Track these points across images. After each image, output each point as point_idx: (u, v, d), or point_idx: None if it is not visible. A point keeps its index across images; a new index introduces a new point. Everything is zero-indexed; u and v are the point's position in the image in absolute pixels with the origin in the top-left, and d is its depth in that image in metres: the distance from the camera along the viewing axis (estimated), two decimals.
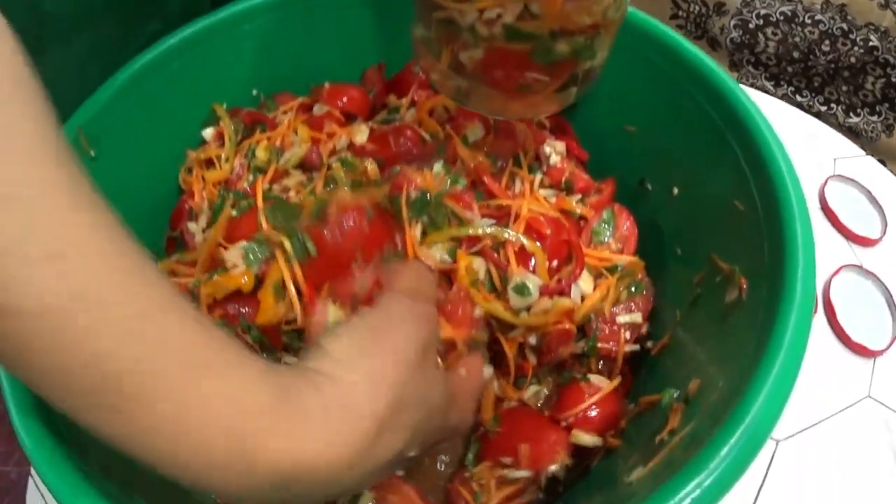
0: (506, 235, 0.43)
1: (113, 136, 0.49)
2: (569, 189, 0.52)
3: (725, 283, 0.42)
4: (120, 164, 0.50)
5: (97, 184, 0.26)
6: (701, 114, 0.47)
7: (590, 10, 0.37)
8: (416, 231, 0.43)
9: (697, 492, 0.29)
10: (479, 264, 0.42)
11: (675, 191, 0.51)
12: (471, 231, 0.43)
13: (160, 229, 0.55)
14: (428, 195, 0.43)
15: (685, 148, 0.50)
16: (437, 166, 0.46)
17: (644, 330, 0.49)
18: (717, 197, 0.46)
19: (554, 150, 0.54)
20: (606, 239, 0.50)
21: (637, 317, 0.47)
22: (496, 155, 0.51)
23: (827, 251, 0.66)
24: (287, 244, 0.41)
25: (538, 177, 0.51)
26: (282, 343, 0.45)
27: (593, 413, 0.44)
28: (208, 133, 0.56)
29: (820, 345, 0.61)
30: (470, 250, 0.43)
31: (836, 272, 0.64)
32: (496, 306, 0.41)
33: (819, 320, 0.62)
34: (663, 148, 0.52)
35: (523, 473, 0.42)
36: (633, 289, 0.48)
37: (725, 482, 0.30)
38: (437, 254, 0.43)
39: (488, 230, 0.43)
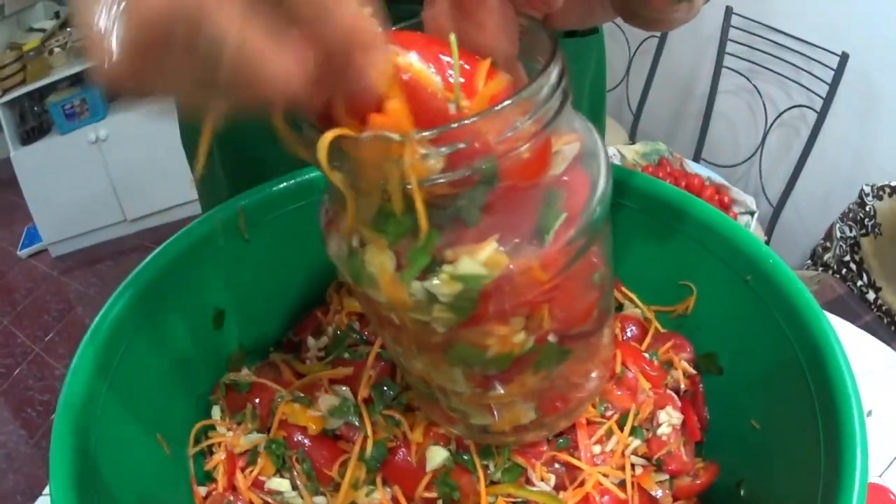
0: None
1: (272, 226, 0.52)
2: (658, 466, 0.48)
3: None
4: (270, 255, 0.53)
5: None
6: (812, 430, 0.38)
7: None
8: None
9: None
10: None
11: None
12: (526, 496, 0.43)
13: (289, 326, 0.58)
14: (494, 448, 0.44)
15: (789, 468, 0.42)
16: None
17: None
18: None
19: (669, 419, 0.49)
20: None
21: None
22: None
23: None
24: (370, 449, 0.45)
25: (635, 443, 0.47)
26: (330, 484, 0.47)
27: None
28: None
29: None
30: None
31: None
32: None
33: None
34: (773, 457, 0.45)
35: None
36: None
37: None
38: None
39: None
